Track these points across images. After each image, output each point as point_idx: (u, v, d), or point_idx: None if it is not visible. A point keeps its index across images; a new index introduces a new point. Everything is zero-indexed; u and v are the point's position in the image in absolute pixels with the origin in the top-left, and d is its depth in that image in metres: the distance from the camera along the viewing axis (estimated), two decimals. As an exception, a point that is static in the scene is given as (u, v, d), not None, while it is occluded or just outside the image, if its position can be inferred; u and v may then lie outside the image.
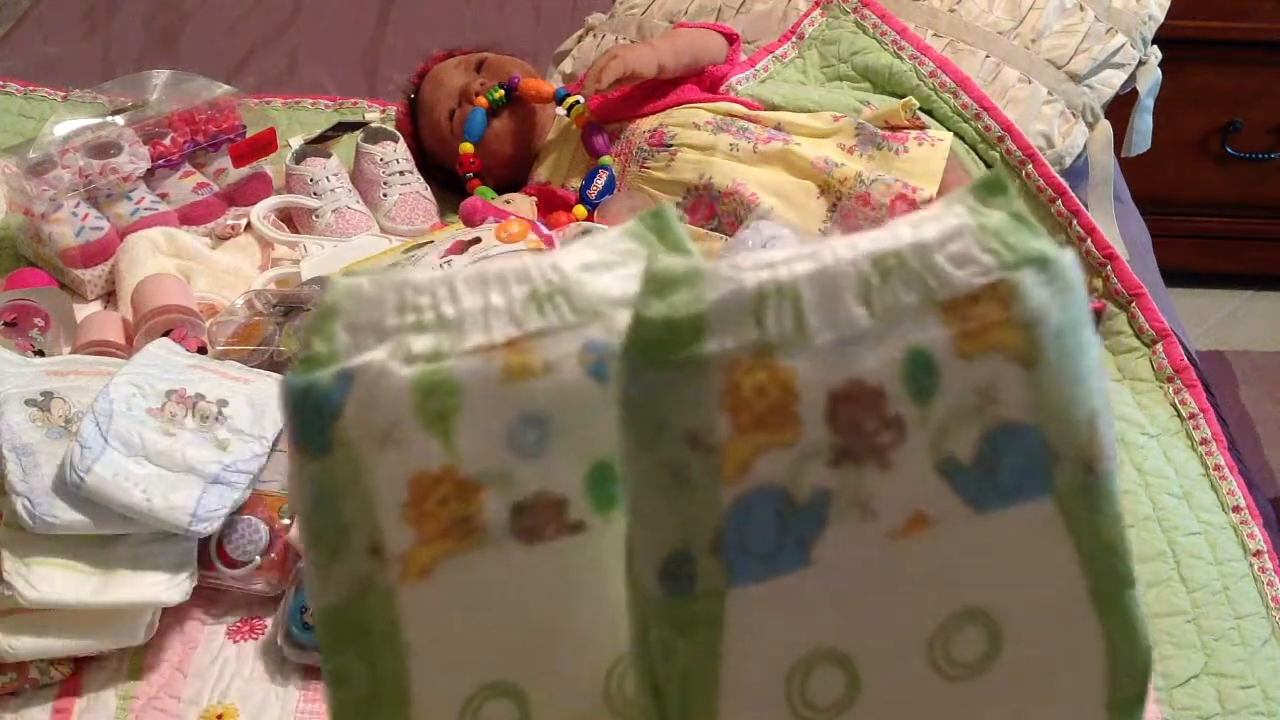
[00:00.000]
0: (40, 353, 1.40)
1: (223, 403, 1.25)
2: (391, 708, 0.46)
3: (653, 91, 1.75)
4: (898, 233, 0.43)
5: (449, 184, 1.82)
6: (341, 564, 0.46)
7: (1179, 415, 1.44)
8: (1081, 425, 0.42)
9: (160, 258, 1.59)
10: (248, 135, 1.77)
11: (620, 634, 0.45)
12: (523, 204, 1.71)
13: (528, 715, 0.46)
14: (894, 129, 1.67)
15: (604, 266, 0.46)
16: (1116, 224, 1.81)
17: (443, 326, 0.45)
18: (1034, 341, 0.40)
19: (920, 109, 1.71)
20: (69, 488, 1.13)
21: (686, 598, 0.42)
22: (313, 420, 0.46)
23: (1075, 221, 1.63)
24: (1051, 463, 0.42)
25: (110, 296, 1.63)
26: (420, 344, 0.44)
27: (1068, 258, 0.42)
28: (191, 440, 1.21)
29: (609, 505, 0.46)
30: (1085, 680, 0.44)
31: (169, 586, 1.14)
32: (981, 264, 0.41)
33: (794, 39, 1.87)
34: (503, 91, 1.77)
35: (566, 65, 2.03)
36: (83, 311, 1.56)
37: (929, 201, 1.59)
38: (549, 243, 1.47)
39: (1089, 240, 1.61)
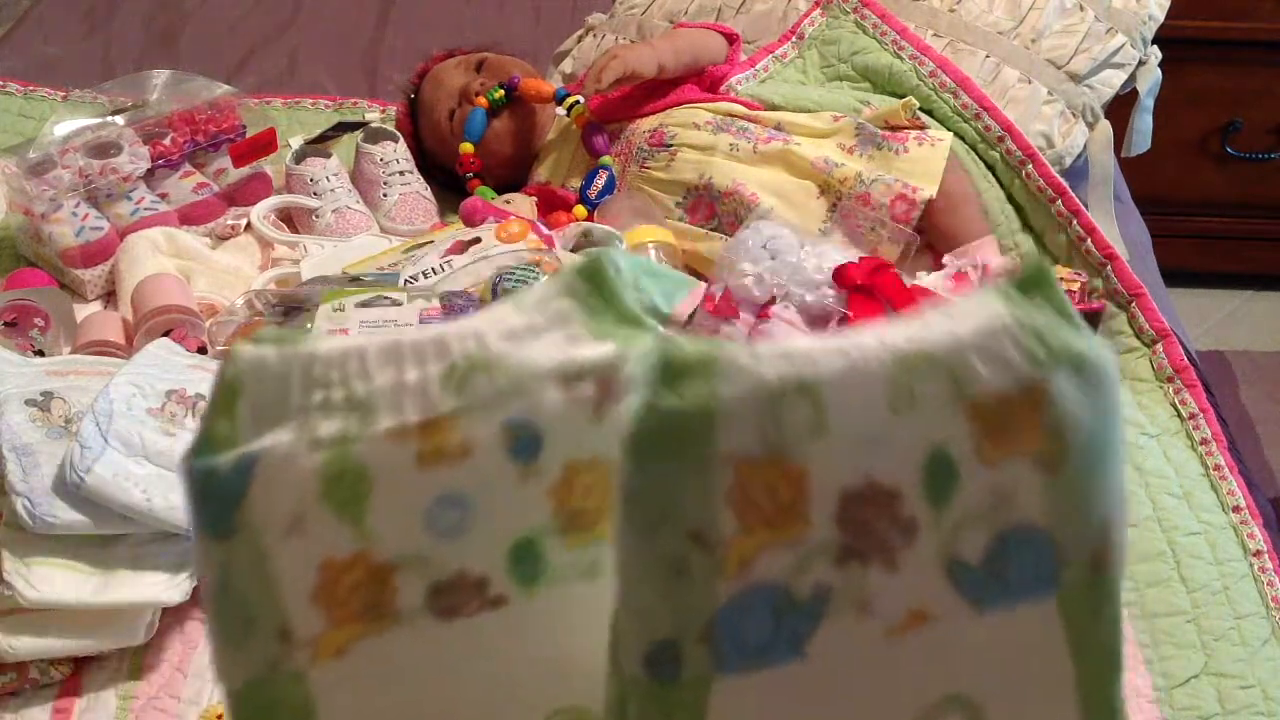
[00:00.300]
0: (40, 353, 1.40)
1: (223, 403, 1.25)
2: None
3: (653, 91, 1.75)
4: (932, 327, 0.40)
5: (449, 184, 1.82)
6: (249, 647, 0.45)
7: (1179, 415, 1.44)
8: (1095, 528, 0.41)
9: (160, 258, 1.59)
10: (248, 135, 1.77)
11: (548, 693, 0.45)
12: (523, 204, 1.71)
13: None
14: (894, 129, 1.67)
15: (532, 333, 0.43)
16: (1116, 224, 1.81)
17: (352, 408, 0.42)
18: (1060, 447, 0.39)
19: (920, 109, 1.71)
20: (69, 488, 1.13)
21: (670, 684, 0.41)
22: (214, 505, 0.44)
23: (1075, 221, 1.63)
24: (1059, 563, 0.41)
25: (110, 296, 1.63)
26: (328, 427, 0.42)
27: (1106, 357, 0.41)
28: (192, 440, 1.20)
29: (532, 581, 0.44)
30: None
31: (169, 586, 1.14)
32: (1015, 365, 0.39)
33: (794, 39, 1.87)
34: (503, 91, 1.77)
35: (566, 65, 2.03)
36: (83, 311, 1.56)
37: (929, 201, 1.59)
38: (549, 243, 1.47)
39: (1089, 240, 1.61)
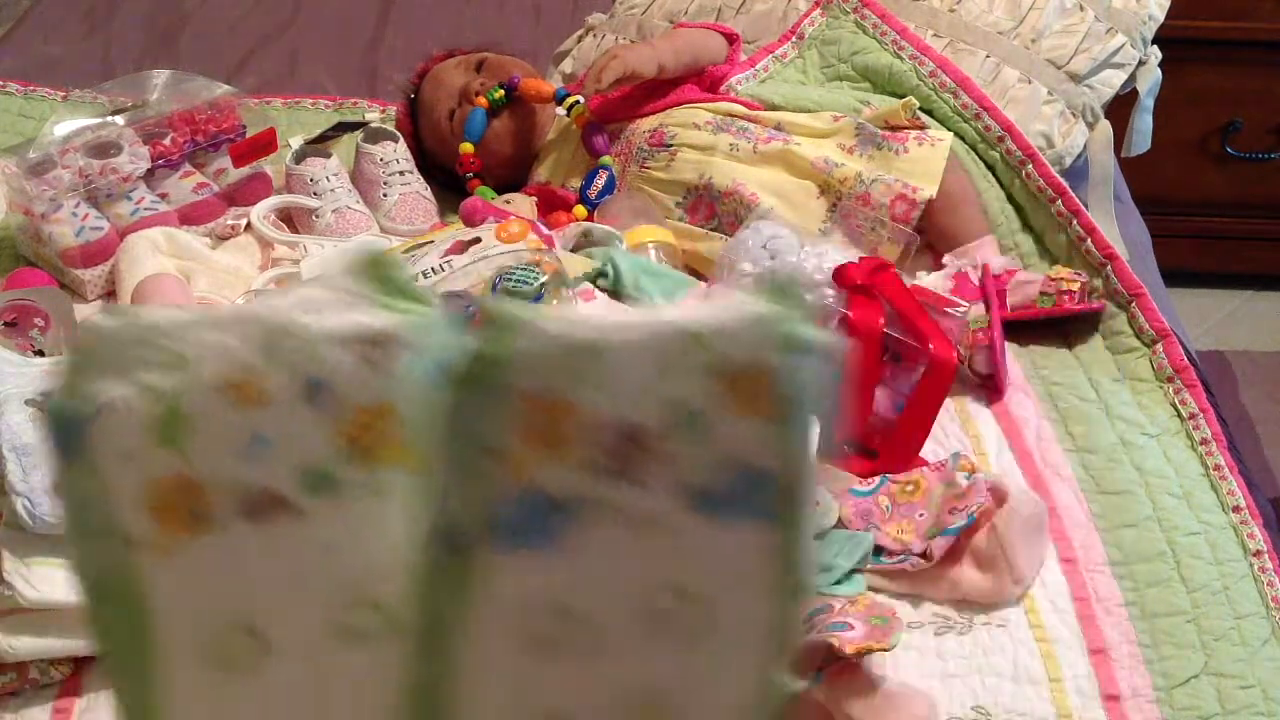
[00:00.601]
0: (40, 353, 1.40)
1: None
2: (141, 648, 0.58)
3: (653, 91, 1.75)
4: (703, 313, 0.53)
5: (449, 184, 1.82)
6: (93, 546, 0.57)
7: (1179, 415, 1.44)
8: (805, 471, 0.54)
9: (160, 258, 1.59)
10: (248, 135, 1.77)
11: (339, 585, 0.57)
12: (523, 204, 1.71)
13: (266, 645, 0.58)
14: (894, 129, 1.67)
15: (330, 307, 0.54)
16: (1116, 224, 1.81)
17: (181, 366, 0.54)
18: (783, 410, 0.52)
19: (920, 109, 1.71)
20: (69, 488, 1.13)
21: (459, 556, 0.55)
22: (66, 440, 0.56)
23: (1075, 221, 1.63)
24: (777, 495, 0.54)
25: (110, 296, 1.63)
26: (159, 380, 0.54)
27: (823, 345, 0.53)
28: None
29: (326, 497, 0.56)
30: (751, 632, 0.58)
31: (169, 586, 1.14)
32: (759, 348, 0.52)
33: (794, 39, 1.87)
34: (503, 91, 1.77)
35: (566, 65, 2.03)
36: (83, 311, 1.56)
37: (929, 201, 1.60)
38: (549, 243, 1.47)
39: (1089, 240, 1.61)
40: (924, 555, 1.21)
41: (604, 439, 0.52)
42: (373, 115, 2.04)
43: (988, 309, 1.49)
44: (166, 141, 1.72)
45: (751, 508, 0.54)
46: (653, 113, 1.73)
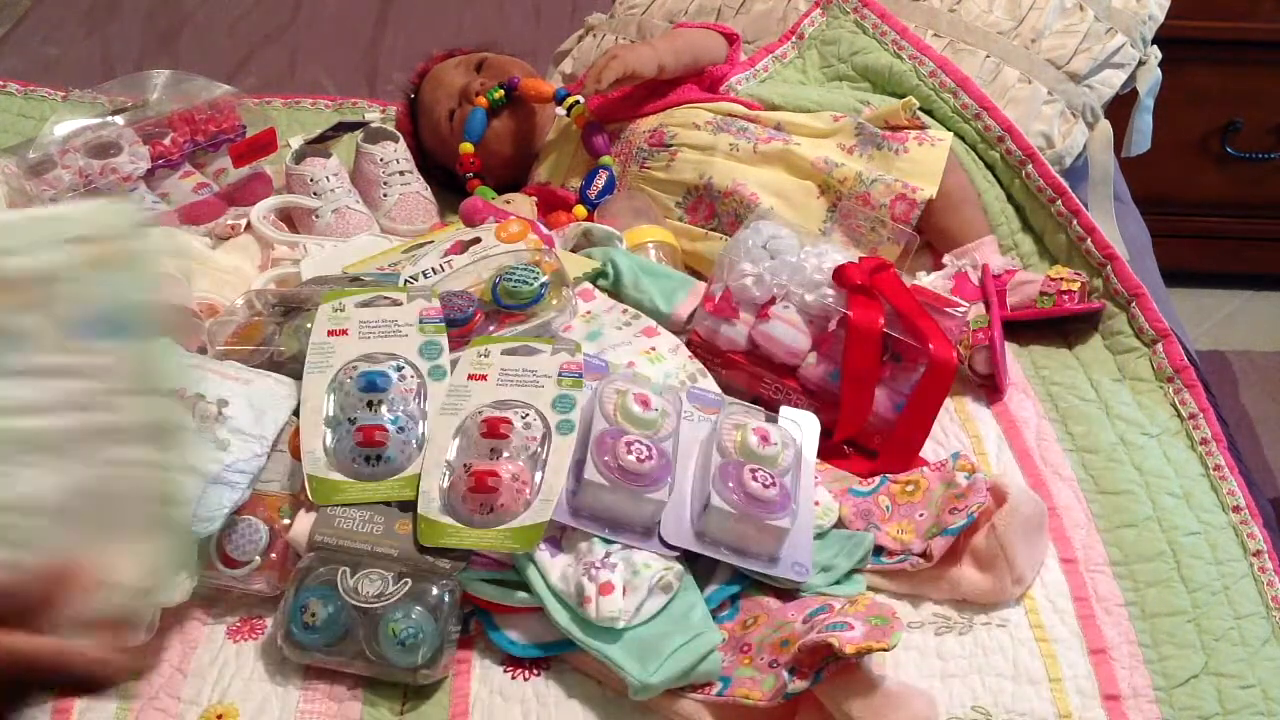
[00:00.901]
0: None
1: (223, 403, 1.25)
2: None
3: (653, 91, 1.75)
4: (76, 206, 0.75)
5: (449, 184, 1.82)
6: None
7: (1179, 415, 1.44)
8: (151, 308, 0.75)
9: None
10: (248, 135, 1.77)
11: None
12: (523, 204, 1.71)
13: None
14: (894, 129, 1.67)
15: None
16: (1116, 224, 1.81)
17: None
18: (132, 267, 0.73)
19: (920, 109, 1.71)
20: (68, 487, 1.13)
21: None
22: None
23: (1075, 221, 1.63)
24: (138, 323, 0.74)
25: (110, 296, 1.62)
26: None
27: (137, 222, 0.74)
28: (191, 440, 1.20)
29: None
30: (150, 428, 0.75)
31: (169, 586, 1.14)
32: (111, 227, 0.74)
33: (794, 39, 1.87)
34: (503, 91, 1.77)
35: (566, 65, 2.03)
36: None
37: (929, 201, 1.60)
38: (549, 243, 1.47)
39: (1089, 240, 1.61)
40: (924, 555, 1.21)
41: (18, 286, 0.73)
42: (373, 115, 2.04)
43: (988, 309, 1.49)
44: (166, 141, 1.72)
45: (125, 332, 0.74)
46: (653, 113, 1.73)
